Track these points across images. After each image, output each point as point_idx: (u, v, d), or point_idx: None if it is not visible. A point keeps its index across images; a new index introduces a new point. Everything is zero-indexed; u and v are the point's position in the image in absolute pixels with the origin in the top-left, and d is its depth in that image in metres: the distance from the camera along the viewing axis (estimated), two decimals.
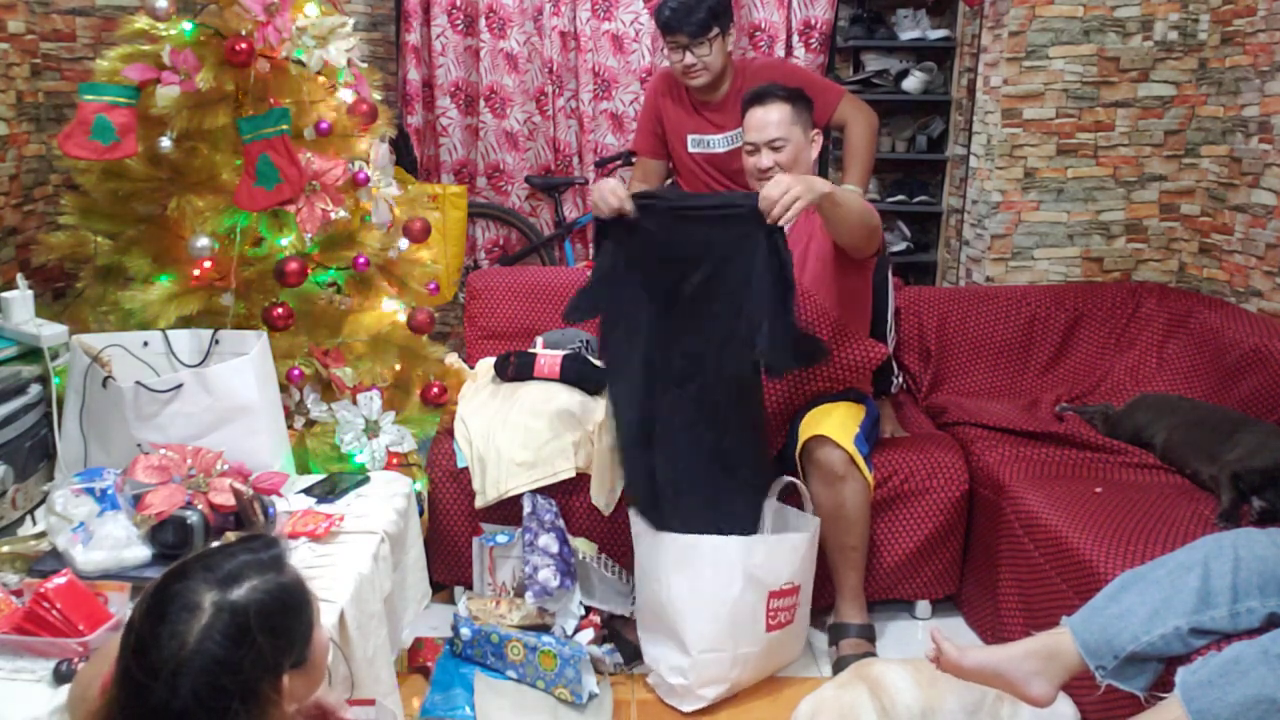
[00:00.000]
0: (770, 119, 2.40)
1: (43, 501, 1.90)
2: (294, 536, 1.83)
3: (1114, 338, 3.01)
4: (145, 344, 2.16)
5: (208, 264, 2.26)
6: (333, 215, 2.29)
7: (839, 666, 2.27)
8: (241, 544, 1.17)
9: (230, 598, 1.07)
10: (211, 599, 1.07)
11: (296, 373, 2.28)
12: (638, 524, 2.27)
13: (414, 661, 2.30)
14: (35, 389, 2.11)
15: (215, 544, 1.33)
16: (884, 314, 2.77)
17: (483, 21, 3.63)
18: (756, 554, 2.15)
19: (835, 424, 2.31)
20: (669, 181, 3.26)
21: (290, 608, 1.13)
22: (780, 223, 1.96)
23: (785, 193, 1.95)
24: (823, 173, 3.71)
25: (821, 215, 2.19)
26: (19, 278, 2.22)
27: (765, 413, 2.31)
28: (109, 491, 1.77)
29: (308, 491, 2.06)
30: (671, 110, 3.03)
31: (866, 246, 2.33)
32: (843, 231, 2.23)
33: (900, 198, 3.81)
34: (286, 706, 1.10)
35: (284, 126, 2.20)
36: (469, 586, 2.52)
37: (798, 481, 2.31)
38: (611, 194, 2.16)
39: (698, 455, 2.18)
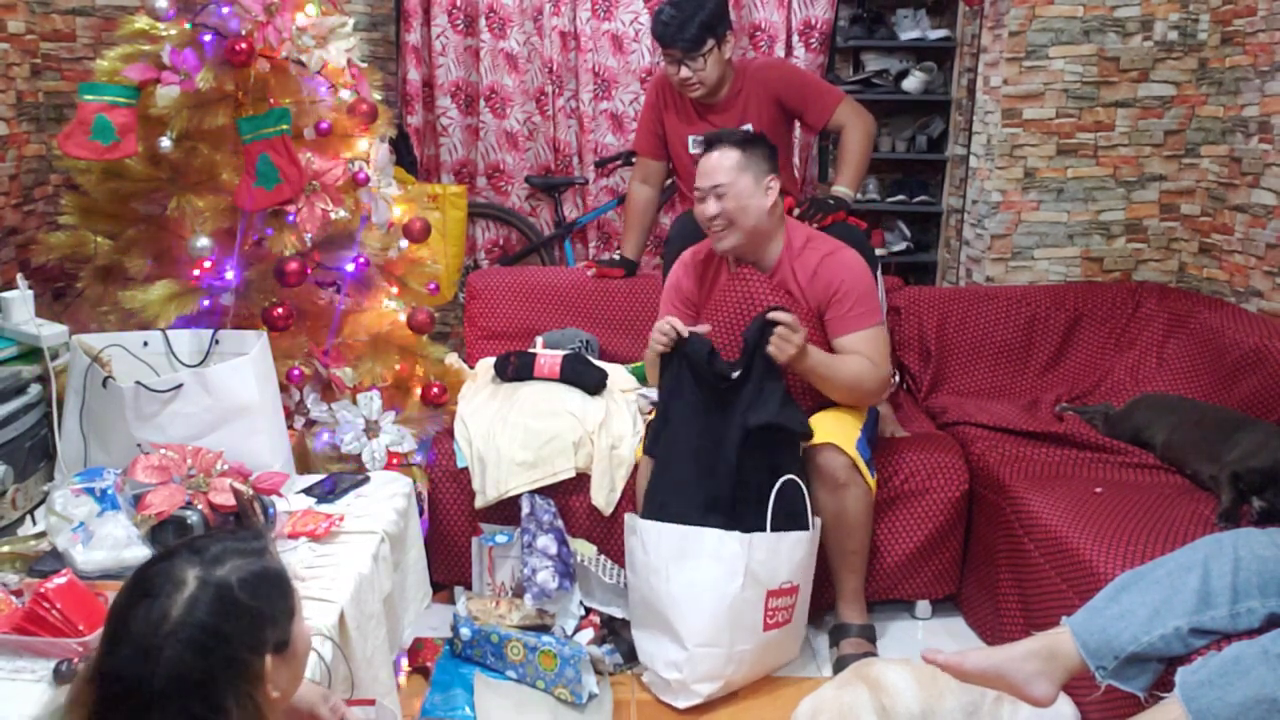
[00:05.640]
0: (721, 164, 2.33)
1: (43, 501, 1.90)
2: (294, 536, 1.83)
3: (1114, 338, 3.01)
4: (145, 344, 2.16)
5: (208, 264, 2.26)
6: (333, 215, 2.30)
7: (839, 666, 2.27)
8: (227, 533, 1.19)
9: (215, 573, 1.09)
10: (195, 574, 1.08)
11: (296, 373, 2.28)
12: (632, 520, 2.27)
13: (414, 662, 2.30)
14: (35, 389, 2.11)
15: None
16: None
17: (483, 21, 3.63)
18: (758, 551, 2.15)
19: (837, 429, 2.31)
20: (668, 181, 3.26)
21: (273, 584, 1.14)
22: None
23: (784, 352, 2.20)
24: (821, 174, 3.72)
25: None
26: (19, 277, 2.22)
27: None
28: (109, 491, 1.77)
29: (308, 491, 2.06)
30: (672, 111, 3.03)
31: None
32: (825, 390, 2.35)
33: (900, 198, 3.82)
34: (270, 691, 1.10)
35: (284, 126, 2.20)
36: (468, 586, 2.52)
37: (798, 480, 2.30)
38: (669, 327, 2.30)
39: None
